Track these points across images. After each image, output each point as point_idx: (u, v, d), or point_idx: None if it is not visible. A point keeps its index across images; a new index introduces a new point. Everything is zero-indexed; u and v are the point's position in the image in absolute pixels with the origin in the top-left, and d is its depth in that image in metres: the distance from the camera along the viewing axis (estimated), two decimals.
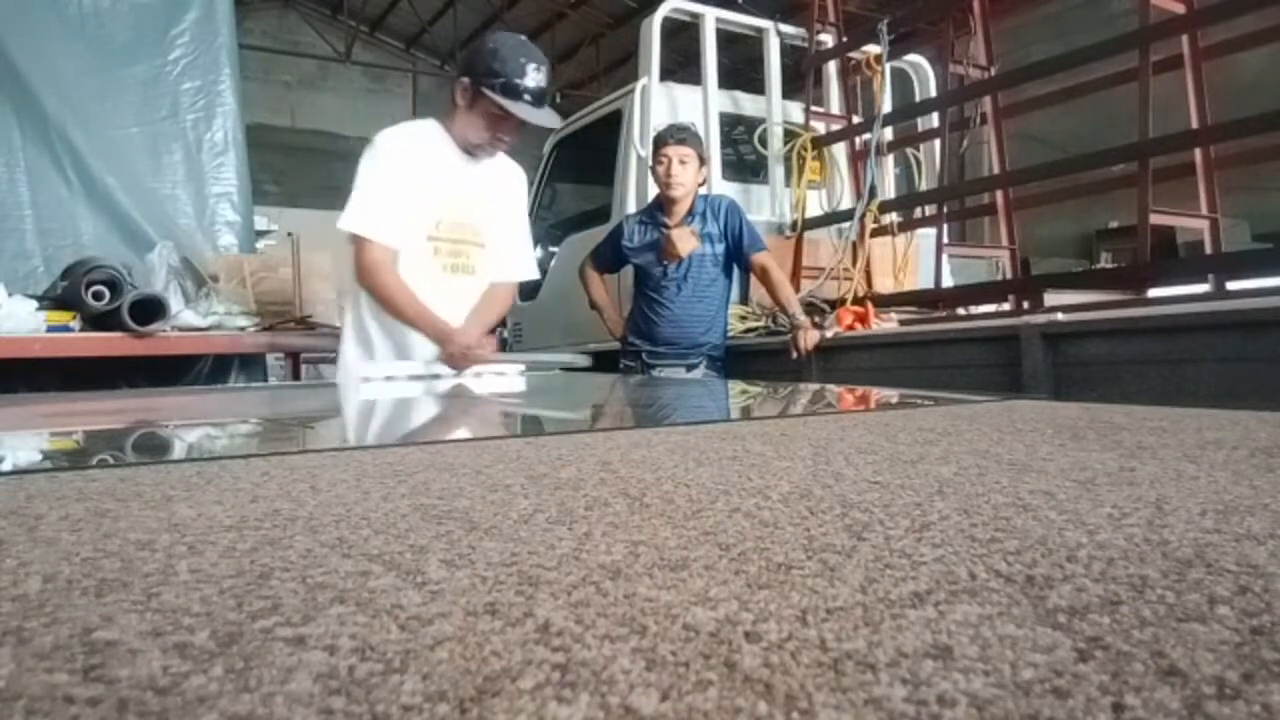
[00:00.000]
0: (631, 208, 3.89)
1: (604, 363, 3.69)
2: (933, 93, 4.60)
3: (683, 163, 3.14)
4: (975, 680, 0.25)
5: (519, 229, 2.53)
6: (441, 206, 2.32)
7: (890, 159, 4.23)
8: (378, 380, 2.21)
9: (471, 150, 2.32)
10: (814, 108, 4.30)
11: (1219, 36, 3.24)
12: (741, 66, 5.70)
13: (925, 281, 4.00)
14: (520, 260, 2.54)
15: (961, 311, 3.52)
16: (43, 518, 0.50)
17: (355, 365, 2.34)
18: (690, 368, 3.24)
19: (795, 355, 3.13)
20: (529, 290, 5.03)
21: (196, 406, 1.88)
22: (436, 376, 2.23)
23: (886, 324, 3.39)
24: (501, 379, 2.33)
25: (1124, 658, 0.27)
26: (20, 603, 0.34)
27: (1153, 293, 2.86)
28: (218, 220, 3.83)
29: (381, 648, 0.28)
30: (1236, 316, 2.20)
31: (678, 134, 3.17)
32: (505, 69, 2.20)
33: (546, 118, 2.32)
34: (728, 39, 4.53)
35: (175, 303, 3.01)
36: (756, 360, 3.43)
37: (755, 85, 4.54)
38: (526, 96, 2.21)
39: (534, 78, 2.22)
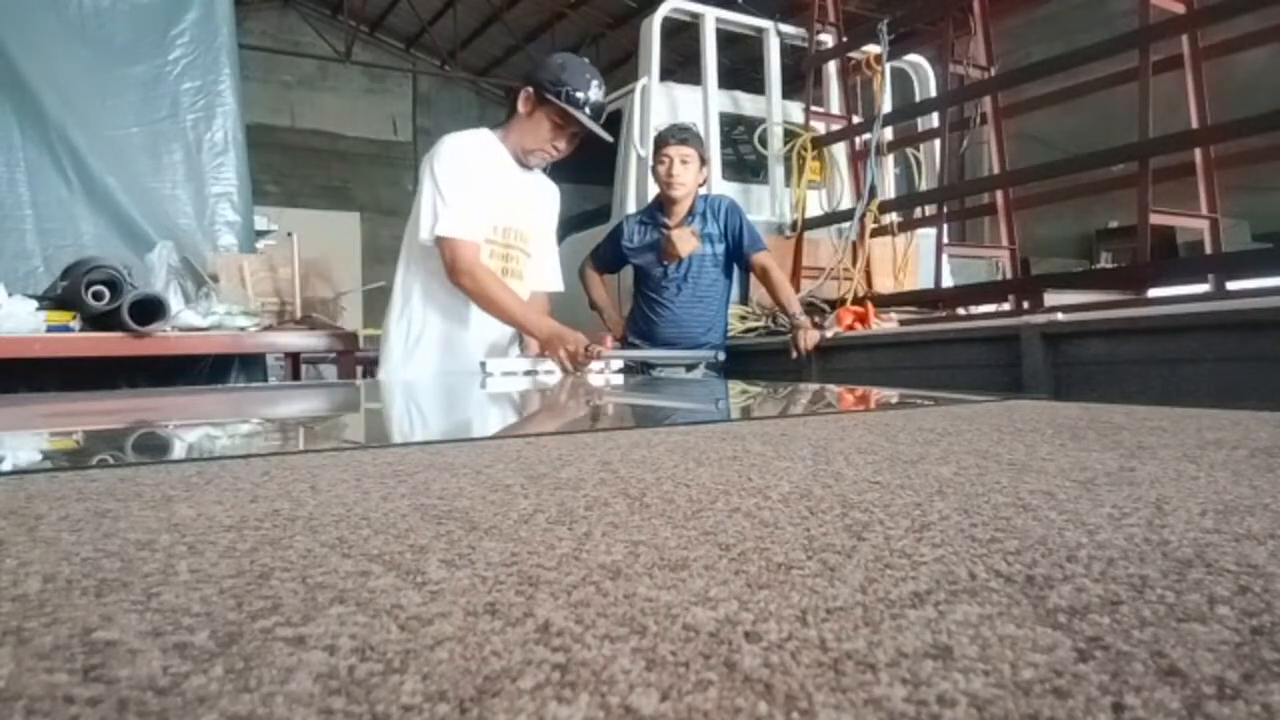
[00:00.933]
0: (631, 208, 3.89)
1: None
2: (933, 93, 4.60)
3: (684, 163, 3.14)
4: (975, 680, 0.25)
5: (553, 243, 2.69)
6: (497, 212, 2.42)
7: (890, 159, 4.23)
8: (498, 373, 2.37)
9: (524, 158, 2.45)
10: (814, 108, 4.30)
11: (1219, 36, 3.24)
12: (741, 66, 5.70)
13: (925, 281, 4.00)
14: (554, 273, 2.69)
15: (961, 311, 3.52)
16: (43, 518, 0.50)
17: (412, 360, 2.44)
18: (690, 368, 3.24)
19: (795, 355, 3.13)
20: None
21: (197, 406, 1.88)
22: (550, 372, 2.40)
23: (886, 324, 3.39)
24: (616, 374, 2.50)
25: (1124, 658, 0.27)
26: (20, 603, 0.34)
27: (1153, 293, 2.86)
28: (218, 220, 3.83)
29: (381, 648, 0.28)
30: (1236, 316, 2.20)
31: (679, 134, 3.17)
32: (571, 80, 2.36)
33: (603, 131, 2.47)
34: (728, 39, 4.53)
35: (175, 303, 3.00)
36: (756, 360, 3.43)
37: (755, 85, 4.54)
38: (587, 109, 2.38)
39: (596, 93, 2.40)
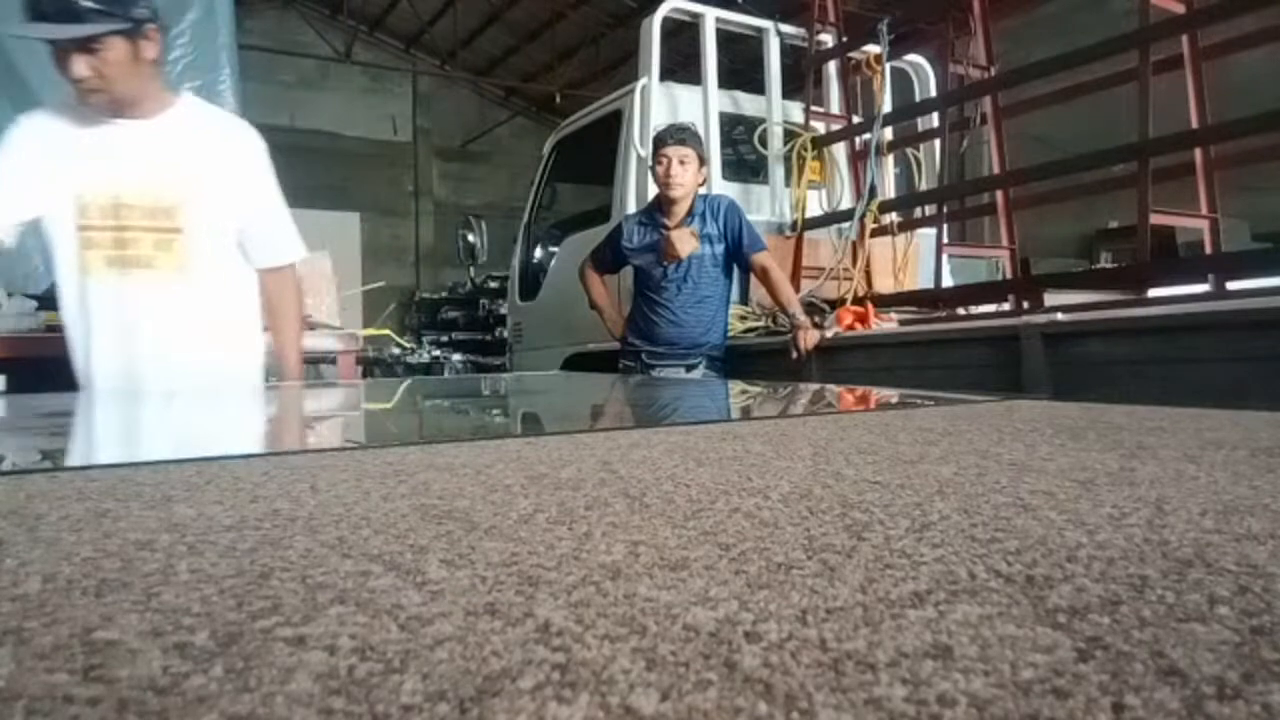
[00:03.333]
0: (631, 208, 3.89)
1: (603, 363, 3.69)
2: (933, 93, 4.60)
3: (682, 163, 3.14)
4: (975, 680, 0.25)
5: (255, 201, 2.00)
6: (84, 187, 1.83)
7: (890, 159, 4.23)
8: None
9: (88, 104, 1.81)
10: (814, 108, 4.31)
11: (1219, 36, 3.24)
12: (741, 66, 5.70)
13: (925, 281, 4.00)
14: (272, 241, 2.05)
15: (961, 311, 3.52)
16: (43, 518, 0.50)
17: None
18: (690, 368, 3.24)
19: (795, 355, 3.13)
20: (529, 290, 5.05)
21: (197, 406, 1.87)
22: None
23: (886, 324, 3.39)
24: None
25: (1124, 658, 0.27)
26: (20, 603, 0.34)
27: (1153, 293, 2.86)
28: None
29: (381, 648, 0.28)
30: (1236, 316, 2.20)
31: (677, 134, 3.17)
32: None
33: (76, 30, 1.69)
34: (728, 39, 4.53)
35: None
36: (756, 360, 3.43)
37: (755, 85, 4.54)
38: (44, 8, 1.67)
39: None
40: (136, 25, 1.76)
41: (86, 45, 1.71)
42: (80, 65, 1.72)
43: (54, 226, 1.88)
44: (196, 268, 1.92)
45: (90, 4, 1.68)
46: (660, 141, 3.20)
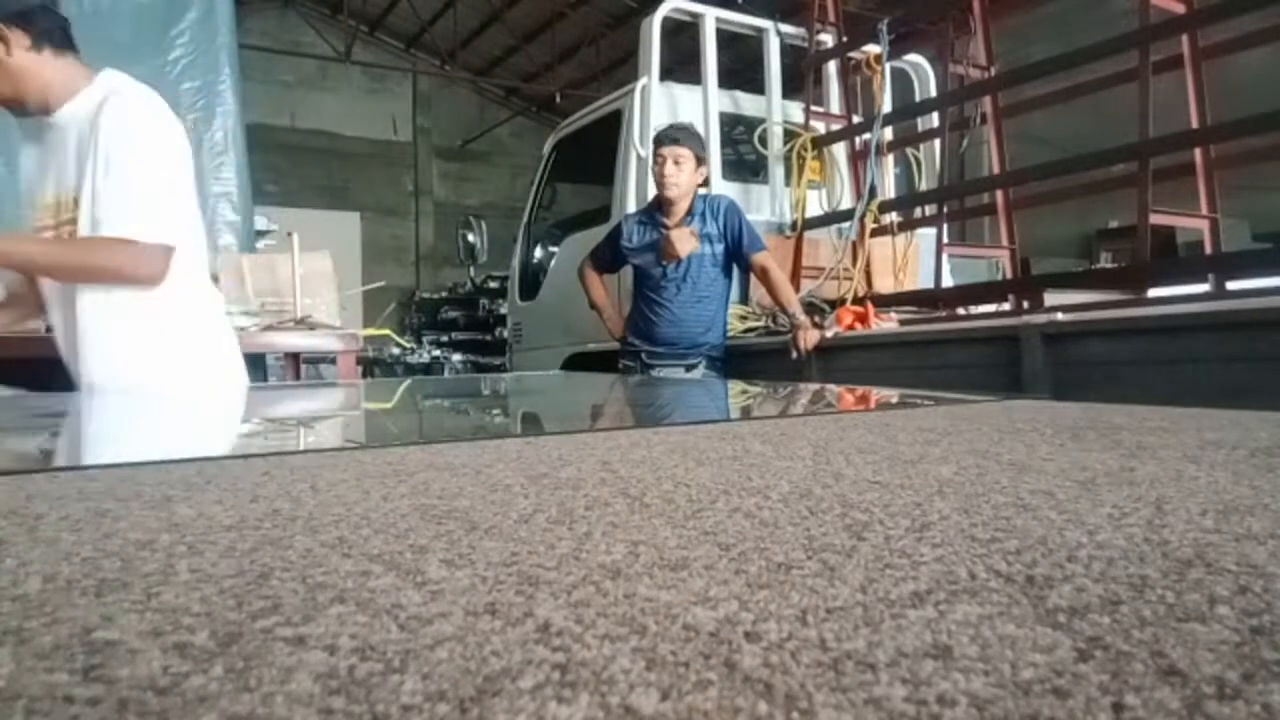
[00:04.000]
0: (631, 208, 3.89)
1: (603, 363, 3.69)
2: (933, 93, 4.61)
3: (678, 163, 3.14)
4: (975, 680, 0.25)
5: (109, 176, 1.75)
6: (31, 188, 1.85)
7: (890, 159, 4.23)
8: None
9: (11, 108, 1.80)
10: (814, 108, 4.31)
11: (1219, 36, 3.24)
12: (741, 66, 5.70)
13: (925, 281, 4.01)
14: (107, 211, 1.74)
15: (961, 311, 3.53)
16: (43, 518, 0.50)
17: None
18: (690, 368, 3.24)
19: (795, 355, 3.14)
20: (529, 290, 5.05)
21: (197, 406, 1.87)
22: None
23: (886, 324, 3.39)
24: None
25: (1124, 658, 0.27)
26: (20, 603, 0.34)
27: (1153, 293, 2.86)
28: (218, 220, 3.83)
29: (381, 647, 0.28)
30: (1236, 316, 2.20)
31: (673, 134, 3.18)
32: None
33: None
34: (728, 39, 4.53)
35: None
36: (756, 360, 3.44)
37: (755, 85, 4.55)
38: None
39: None
40: None
41: None
42: None
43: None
44: None
45: None
46: (657, 142, 3.20)
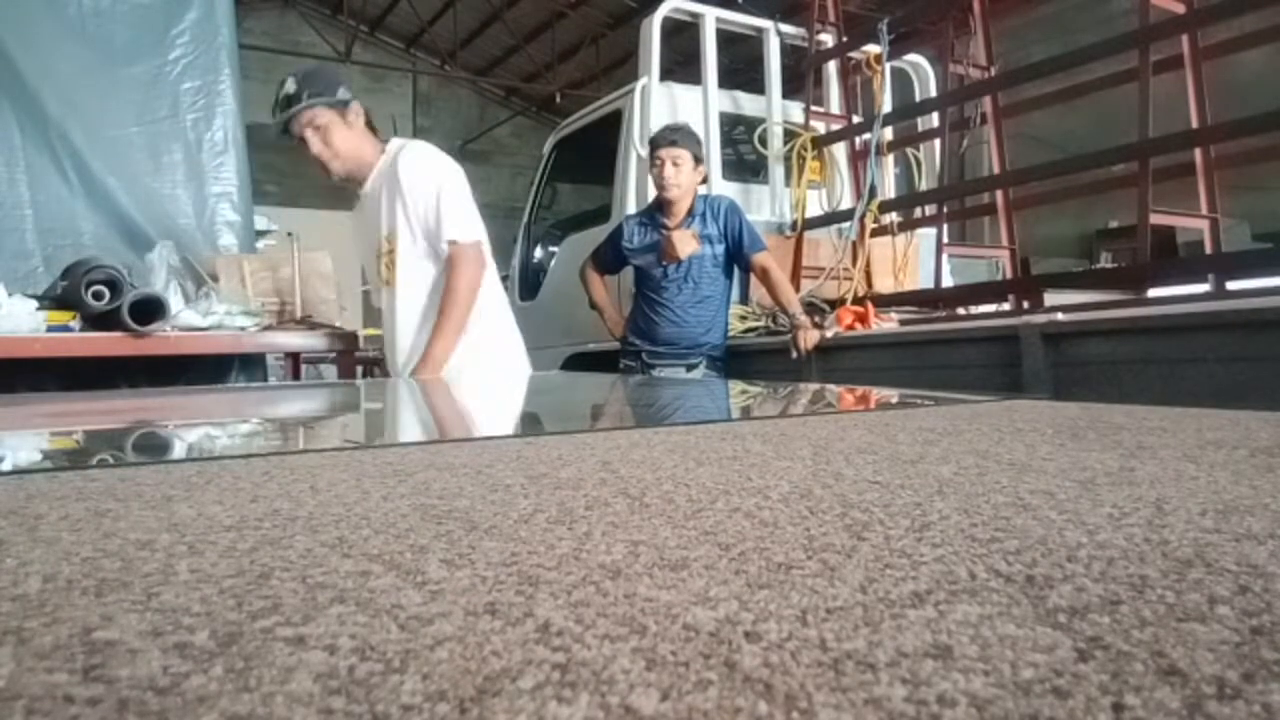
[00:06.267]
0: (631, 208, 3.89)
1: (603, 363, 3.69)
2: (933, 93, 4.60)
3: (676, 164, 3.14)
4: (975, 680, 0.25)
5: (417, 199, 2.40)
6: (362, 250, 2.54)
7: (890, 159, 4.23)
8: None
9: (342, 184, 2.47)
10: (814, 108, 4.31)
11: (1219, 36, 3.24)
12: (741, 66, 5.70)
13: (925, 281, 4.01)
14: (440, 225, 2.39)
15: (961, 311, 3.53)
16: (43, 518, 0.50)
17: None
18: (690, 368, 3.24)
19: (795, 355, 3.13)
20: (529, 290, 5.05)
21: (197, 406, 1.88)
22: None
23: (886, 324, 3.39)
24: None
25: (1124, 658, 0.27)
26: (20, 603, 0.34)
27: (1153, 293, 2.86)
28: (218, 220, 3.82)
29: (381, 647, 0.28)
30: (1236, 316, 2.20)
31: (669, 135, 3.18)
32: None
33: (281, 115, 2.37)
34: (728, 39, 4.53)
35: (175, 303, 3.00)
36: (756, 360, 3.44)
37: (755, 85, 4.54)
38: (276, 109, 2.36)
39: (281, 90, 2.35)
40: (320, 101, 2.37)
41: (299, 136, 2.38)
42: (307, 149, 2.38)
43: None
44: (405, 278, 2.42)
45: (299, 94, 2.36)
46: (653, 144, 3.21)
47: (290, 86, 2.31)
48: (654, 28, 4.17)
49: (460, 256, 2.37)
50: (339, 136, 2.35)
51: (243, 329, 3.13)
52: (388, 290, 2.46)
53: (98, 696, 0.25)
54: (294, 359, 3.77)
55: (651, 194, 3.46)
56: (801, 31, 4.48)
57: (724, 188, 4.01)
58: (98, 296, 2.73)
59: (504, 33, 13.14)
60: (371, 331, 4.74)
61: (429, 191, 2.38)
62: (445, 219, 2.38)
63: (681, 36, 4.69)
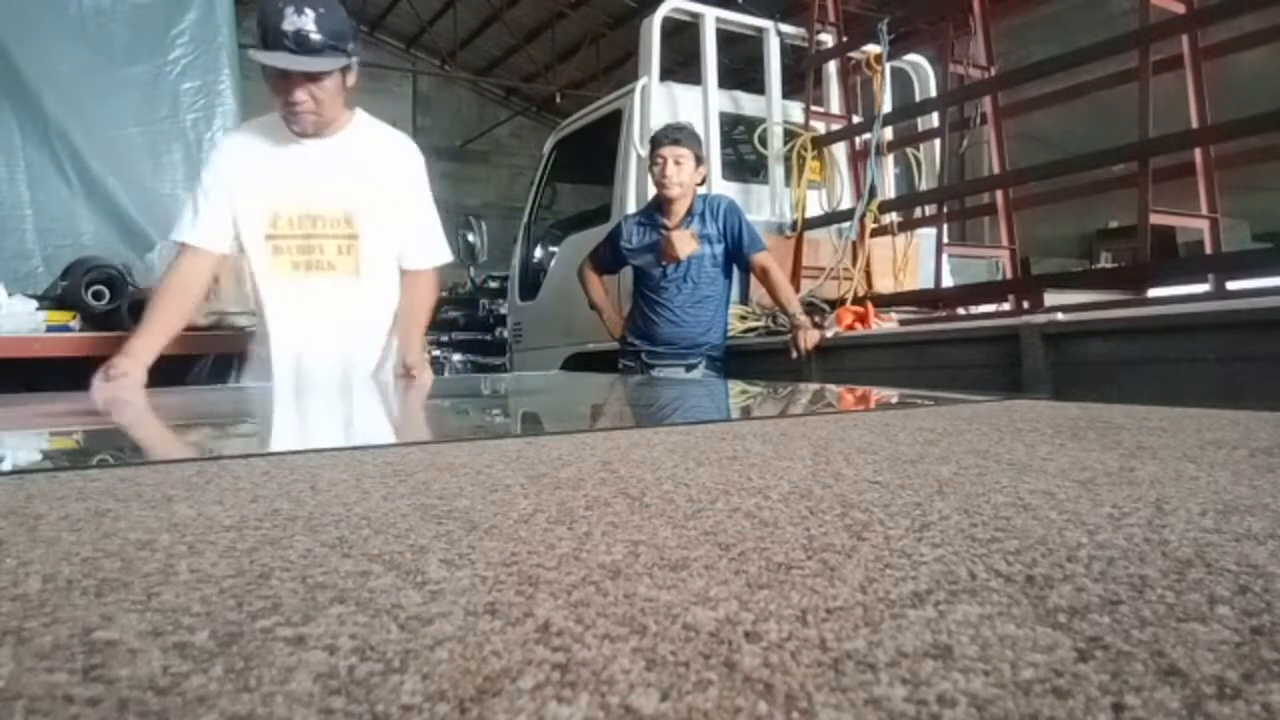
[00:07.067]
0: (631, 208, 3.89)
1: (603, 363, 3.69)
2: (933, 93, 4.60)
3: (677, 163, 3.14)
4: (975, 680, 0.25)
5: (417, 210, 2.22)
6: (276, 202, 2.08)
7: (890, 159, 4.23)
8: None
9: (290, 128, 2.05)
10: (814, 108, 4.30)
11: (1219, 36, 3.24)
12: (741, 66, 5.70)
13: (925, 281, 4.00)
14: (424, 244, 2.25)
15: (961, 311, 3.52)
16: (43, 518, 0.50)
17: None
18: (690, 368, 3.24)
19: (795, 355, 3.13)
20: (529, 290, 5.05)
21: (196, 406, 1.88)
22: None
23: (886, 324, 3.39)
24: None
25: (1124, 658, 0.27)
26: (20, 603, 0.34)
27: (1153, 293, 2.86)
28: None
29: (381, 647, 0.28)
30: (1236, 316, 2.20)
31: (672, 134, 3.17)
32: (261, 18, 1.92)
33: (313, 63, 1.93)
34: (728, 39, 4.53)
35: None
36: (756, 360, 3.43)
37: (755, 85, 4.54)
38: (287, 42, 1.89)
39: (292, 20, 1.88)
40: (350, 60, 2.02)
41: (313, 76, 1.95)
42: (302, 92, 1.97)
43: (246, 236, 2.10)
44: (369, 270, 2.14)
45: (326, 41, 1.93)
46: (655, 142, 3.20)
47: (332, 23, 1.94)
48: (654, 28, 4.17)
49: (434, 271, 2.31)
50: (340, 96, 2.06)
51: (243, 329, 3.12)
52: (338, 277, 2.12)
53: (98, 696, 0.25)
54: None
55: (652, 194, 3.46)
56: (801, 31, 4.48)
57: (724, 188, 4.00)
58: (98, 296, 2.73)
59: (504, 33, 13.14)
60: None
61: (424, 200, 2.24)
62: (436, 236, 2.28)
63: (681, 36, 4.69)
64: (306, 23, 1.89)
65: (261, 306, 2.16)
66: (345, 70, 2.03)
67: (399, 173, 2.19)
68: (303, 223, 2.09)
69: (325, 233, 2.10)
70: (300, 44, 1.89)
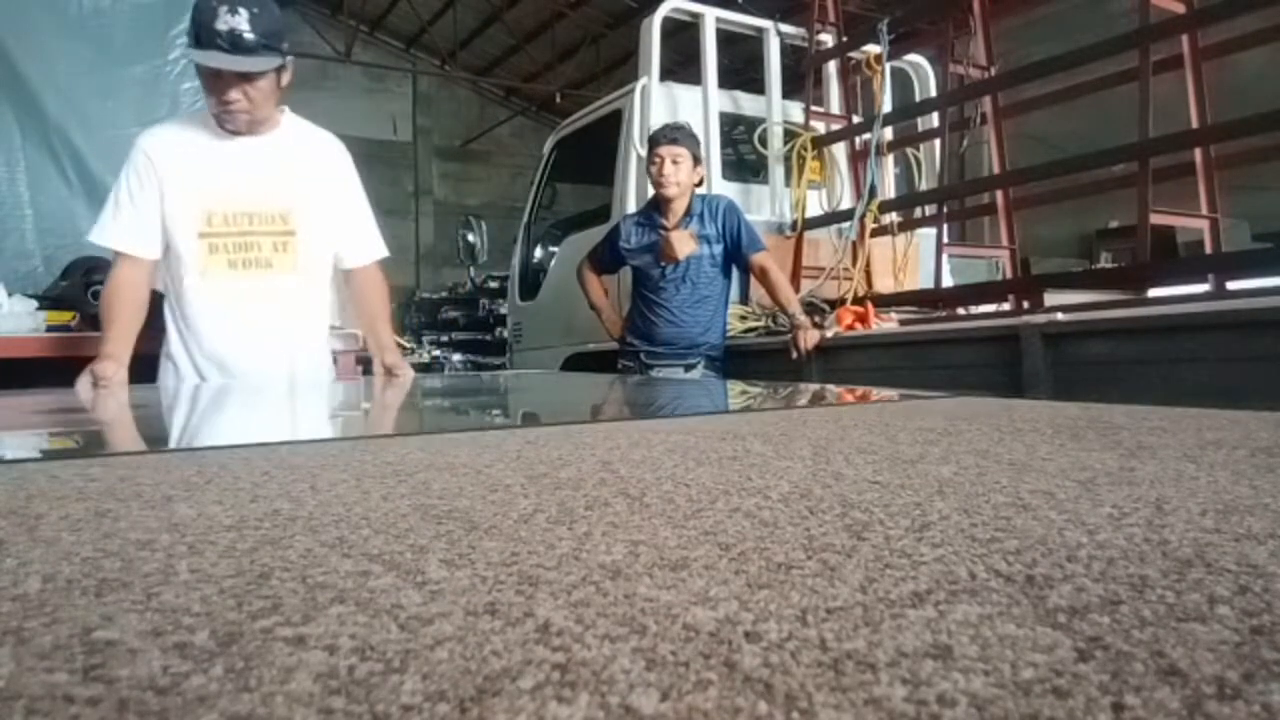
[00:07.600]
0: (631, 208, 3.89)
1: (603, 363, 3.69)
2: (933, 93, 4.60)
3: (675, 162, 3.14)
4: (975, 680, 0.25)
5: (353, 206, 2.25)
6: (213, 198, 2.05)
7: (890, 159, 4.23)
8: None
9: (223, 127, 2.04)
10: (814, 108, 4.31)
11: (1219, 36, 3.24)
12: (741, 66, 5.70)
13: (925, 281, 4.00)
14: (364, 241, 2.28)
15: (961, 311, 3.52)
16: (43, 518, 0.50)
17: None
18: (689, 368, 3.24)
19: (795, 355, 3.13)
20: (529, 290, 5.05)
21: (196, 405, 1.88)
22: None
23: (886, 324, 3.39)
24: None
25: (1124, 658, 0.27)
26: (20, 603, 0.34)
27: (1153, 293, 2.86)
28: None
29: (381, 647, 0.28)
30: (1236, 316, 2.20)
31: (670, 134, 3.18)
32: (195, 16, 1.90)
33: (248, 62, 1.91)
34: (728, 39, 4.53)
35: None
36: (756, 360, 3.43)
37: (755, 85, 4.54)
38: (220, 41, 1.87)
39: (226, 20, 1.86)
40: (284, 60, 2.02)
41: (247, 75, 1.95)
42: (236, 92, 1.96)
43: (177, 234, 2.07)
44: (306, 266, 2.15)
45: (259, 40, 1.92)
46: (654, 141, 3.20)
47: (266, 23, 1.93)
48: (654, 28, 4.17)
49: (378, 266, 2.35)
50: (275, 95, 2.05)
51: None
52: (275, 274, 2.10)
53: (98, 696, 0.25)
54: None
55: (651, 193, 3.46)
56: (801, 31, 4.48)
57: (724, 188, 4.00)
58: (97, 296, 2.73)
59: (504, 33, 13.14)
60: None
61: (360, 199, 2.26)
62: (374, 233, 2.30)
63: (681, 36, 4.69)
64: (240, 22, 1.88)
65: (183, 305, 2.10)
66: (280, 70, 2.02)
67: (331, 171, 2.20)
68: (239, 220, 2.07)
69: (261, 230, 2.08)
70: (234, 43, 1.88)
